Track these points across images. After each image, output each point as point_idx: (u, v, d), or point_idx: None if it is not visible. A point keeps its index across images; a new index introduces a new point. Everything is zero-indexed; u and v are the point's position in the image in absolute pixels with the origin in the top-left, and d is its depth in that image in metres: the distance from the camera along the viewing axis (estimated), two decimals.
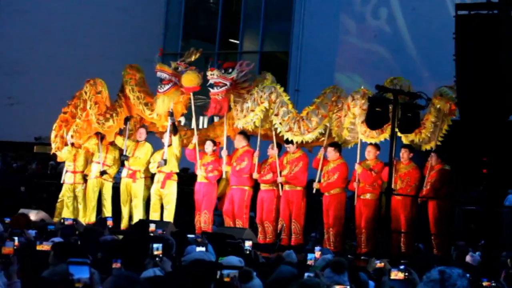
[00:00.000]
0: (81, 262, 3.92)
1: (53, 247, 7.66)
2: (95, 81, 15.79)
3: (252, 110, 14.35)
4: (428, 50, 20.61)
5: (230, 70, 14.67)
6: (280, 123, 14.25)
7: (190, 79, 14.75)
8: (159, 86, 15.11)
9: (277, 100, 14.26)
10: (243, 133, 14.96)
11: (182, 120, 15.67)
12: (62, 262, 6.47)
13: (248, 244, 10.76)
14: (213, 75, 14.53)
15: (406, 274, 7.49)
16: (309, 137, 14.17)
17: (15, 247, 7.29)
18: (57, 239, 8.92)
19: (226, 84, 14.55)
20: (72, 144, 15.89)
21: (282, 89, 14.52)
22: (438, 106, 13.34)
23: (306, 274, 7.06)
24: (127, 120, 15.56)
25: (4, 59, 27.29)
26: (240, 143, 14.93)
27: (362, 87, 14.07)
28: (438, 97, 13.40)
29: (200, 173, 14.97)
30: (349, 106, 13.77)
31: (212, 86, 14.62)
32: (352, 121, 13.74)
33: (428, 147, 13.70)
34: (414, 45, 21.69)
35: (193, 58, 15.26)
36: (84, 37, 25.84)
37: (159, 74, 15.04)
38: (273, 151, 14.66)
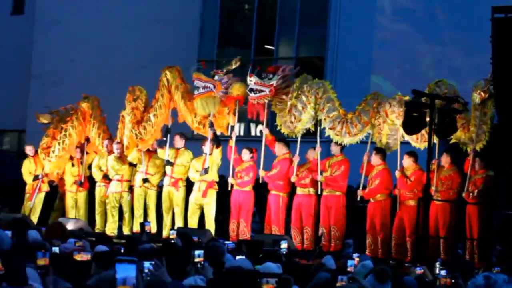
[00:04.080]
0: (128, 260, 3.84)
1: (94, 256, 7.64)
2: (134, 88, 15.90)
3: (304, 110, 14.26)
4: (470, 51, 20.38)
5: (271, 76, 14.74)
6: (325, 119, 14.23)
7: (237, 88, 14.96)
8: (195, 90, 15.22)
9: (324, 96, 14.23)
10: (283, 140, 14.95)
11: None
12: (104, 270, 6.47)
13: (283, 246, 10.85)
14: (251, 82, 14.65)
15: (453, 280, 7.46)
16: (348, 140, 14.13)
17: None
18: (101, 248, 8.86)
19: (264, 91, 14.63)
20: (120, 157, 15.91)
21: (331, 86, 14.51)
22: (473, 99, 13.25)
23: (339, 278, 7.00)
24: (166, 131, 15.49)
25: (42, 70, 27.52)
26: (281, 150, 14.88)
27: (399, 93, 14.00)
28: (474, 89, 13.32)
29: (233, 181, 14.94)
30: (386, 113, 13.74)
31: (251, 90, 14.72)
32: (391, 127, 13.71)
33: (478, 146, 13.39)
34: (453, 43, 21.45)
35: (233, 67, 15.35)
36: (121, 47, 25.96)
37: (195, 82, 15.22)
38: (315, 151, 14.48)
